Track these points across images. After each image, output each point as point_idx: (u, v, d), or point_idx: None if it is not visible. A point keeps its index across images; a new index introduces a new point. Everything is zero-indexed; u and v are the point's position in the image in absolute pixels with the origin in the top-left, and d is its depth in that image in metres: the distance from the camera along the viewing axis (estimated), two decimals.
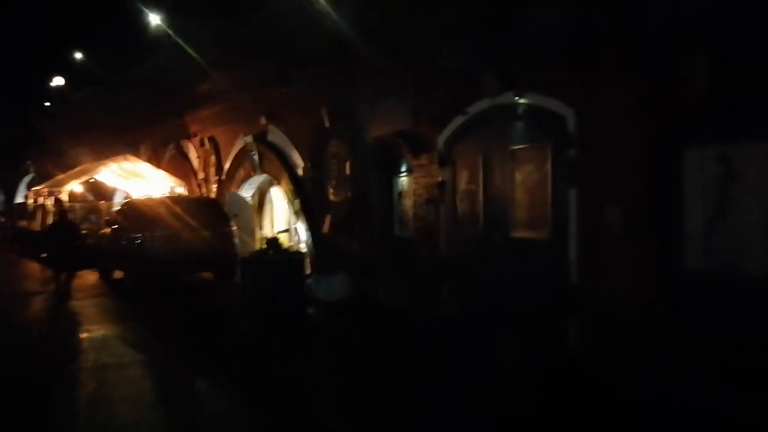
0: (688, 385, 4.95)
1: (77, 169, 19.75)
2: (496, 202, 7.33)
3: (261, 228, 15.50)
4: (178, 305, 10.81)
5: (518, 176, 6.94)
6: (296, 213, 12.80)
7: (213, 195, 16.56)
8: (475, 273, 7.48)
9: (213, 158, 17.08)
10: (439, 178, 8.29)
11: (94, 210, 19.88)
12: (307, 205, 12.36)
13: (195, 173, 18.31)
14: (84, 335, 8.77)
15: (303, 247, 12.63)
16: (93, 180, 18.81)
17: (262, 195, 15.74)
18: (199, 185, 18.02)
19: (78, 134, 25.13)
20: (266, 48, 13.10)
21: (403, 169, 9.41)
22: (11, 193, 31.63)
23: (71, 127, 25.61)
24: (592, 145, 6.00)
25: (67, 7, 28.38)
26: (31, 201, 20.81)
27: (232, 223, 12.59)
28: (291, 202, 13.01)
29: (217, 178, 16.83)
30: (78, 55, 29.68)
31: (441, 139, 8.23)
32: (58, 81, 29.05)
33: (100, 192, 20.92)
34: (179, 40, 18.50)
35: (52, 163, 25.76)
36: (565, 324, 6.23)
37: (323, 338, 8.51)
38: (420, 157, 8.74)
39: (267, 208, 15.61)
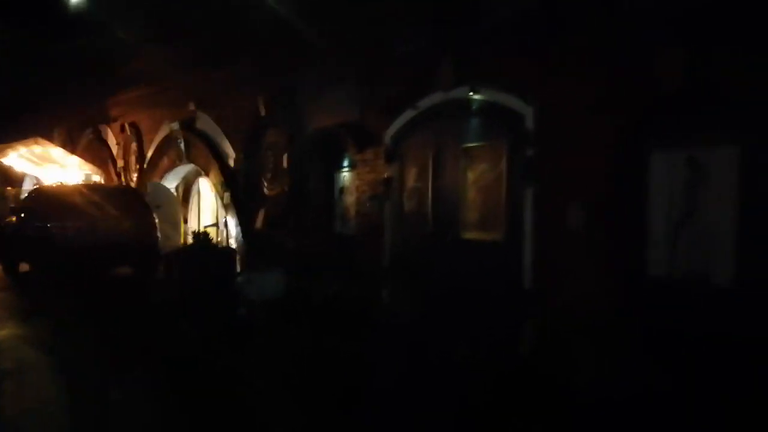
0: (639, 386, 4.72)
1: None
2: (446, 201, 6.96)
3: (186, 221, 14.58)
4: (91, 302, 9.82)
5: (471, 175, 6.59)
6: (226, 206, 12.03)
7: (134, 184, 15.46)
8: (422, 273, 7.09)
9: (134, 145, 15.95)
10: (386, 174, 7.85)
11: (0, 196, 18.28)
12: (238, 198, 11.62)
13: (114, 161, 17.07)
14: None
15: (233, 243, 11.87)
16: None
17: (187, 186, 14.81)
18: (118, 174, 16.81)
19: None
20: (198, 28, 12.25)
21: (346, 163, 8.91)
22: None
23: None
24: (551, 143, 5.71)
25: None
26: None
27: (154, 214, 11.66)
28: (220, 194, 12.22)
29: (139, 166, 15.72)
30: None
31: (388, 134, 7.79)
32: None
33: (7, 178, 19.23)
34: (102, 18, 17.29)
35: None
36: (519, 327, 5.91)
37: (255, 339, 7.88)
38: (365, 152, 8.26)
39: (193, 200, 14.69)
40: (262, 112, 10.64)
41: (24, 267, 11.97)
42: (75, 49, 18.07)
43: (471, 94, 6.37)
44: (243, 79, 11.27)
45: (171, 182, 14.59)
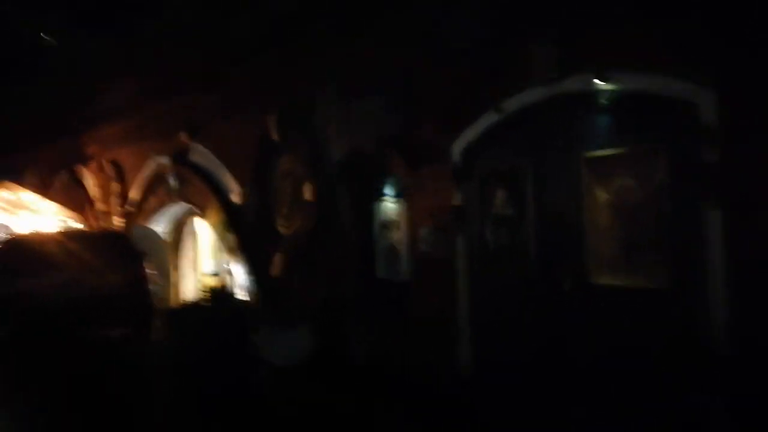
0: None
1: None
2: (558, 233, 4.97)
3: (176, 269, 12.30)
4: (75, 373, 7.54)
5: (602, 194, 4.62)
6: (230, 250, 9.84)
7: (117, 229, 13.13)
8: (519, 332, 5.05)
9: (116, 185, 13.68)
10: (455, 201, 5.84)
11: None
12: (246, 240, 9.47)
13: (92, 204, 14.73)
14: None
15: (240, 294, 9.67)
16: None
17: (179, 229, 12.56)
18: (97, 218, 14.45)
19: None
20: (185, 43, 10.22)
21: (391, 190, 6.86)
22: None
23: None
24: (748, 144, 3.79)
25: None
26: None
27: (146, 263, 9.41)
28: (222, 236, 10.03)
29: (122, 209, 13.43)
30: None
31: (457, 148, 5.81)
32: None
33: None
34: (70, 52, 15.12)
35: None
36: (705, 412, 3.91)
37: (278, 419, 5.72)
38: (420, 173, 6.26)
39: (186, 244, 12.43)
40: (274, 136, 8.58)
41: None
42: (41, 86, 15.86)
43: (596, 83, 4.43)
44: (246, 99, 9.23)
45: (159, 225, 12.35)
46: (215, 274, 11.05)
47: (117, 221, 13.68)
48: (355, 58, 7.09)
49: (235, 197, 9.79)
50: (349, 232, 7.50)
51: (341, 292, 7.55)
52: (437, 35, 5.74)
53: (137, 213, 12.66)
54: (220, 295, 8.32)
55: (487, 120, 5.41)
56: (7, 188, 14.13)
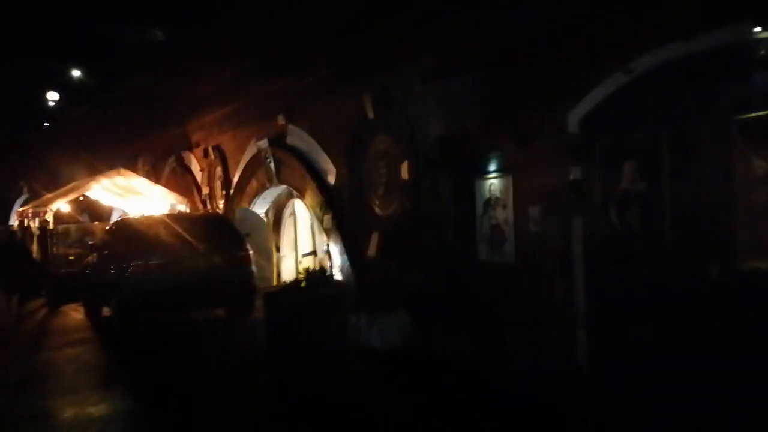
0: None
1: (67, 186, 16.41)
2: (702, 211, 4.20)
3: (278, 250, 12.30)
4: (180, 356, 7.58)
5: (759, 164, 3.80)
6: (327, 231, 9.61)
7: (220, 212, 13.34)
8: (652, 325, 4.33)
9: (219, 170, 13.91)
10: (571, 176, 5.16)
11: (87, 232, 16.61)
12: (343, 221, 9.18)
13: (198, 188, 15.11)
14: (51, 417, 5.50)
15: (337, 275, 9.42)
16: (83, 198, 15.50)
17: (278, 210, 12.55)
18: (203, 202, 14.82)
19: (73, 151, 21.91)
20: (282, 26, 10.00)
21: (495, 167, 6.25)
22: (6, 217, 28.23)
23: (66, 144, 22.43)
24: None
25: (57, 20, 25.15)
26: (16, 223, 17.50)
27: (248, 245, 9.36)
28: (319, 218, 9.82)
29: (225, 192, 13.64)
30: (74, 72, 26.54)
31: (574, 118, 5.11)
32: (52, 97, 25.91)
33: (95, 212, 17.65)
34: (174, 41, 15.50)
35: (46, 182, 22.51)
36: None
37: (383, 407, 5.30)
38: (530, 148, 5.61)
39: (285, 226, 12.40)
40: (370, 115, 8.18)
41: (107, 311, 9.91)
42: (154, 77, 16.42)
43: (754, 32, 3.61)
44: (342, 80, 8.88)
45: (260, 207, 12.38)
46: (312, 254, 10.91)
47: (221, 204, 13.94)
48: (451, 34, 6.51)
49: (331, 178, 9.52)
50: (448, 212, 6.98)
51: (440, 275, 7.06)
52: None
53: (239, 196, 12.77)
54: (317, 276, 8.06)
55: (612, 84, 4.68)
56: (122, 174, 14.76)
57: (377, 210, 8.24)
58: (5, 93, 26.42)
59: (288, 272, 12.47)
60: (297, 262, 11.96)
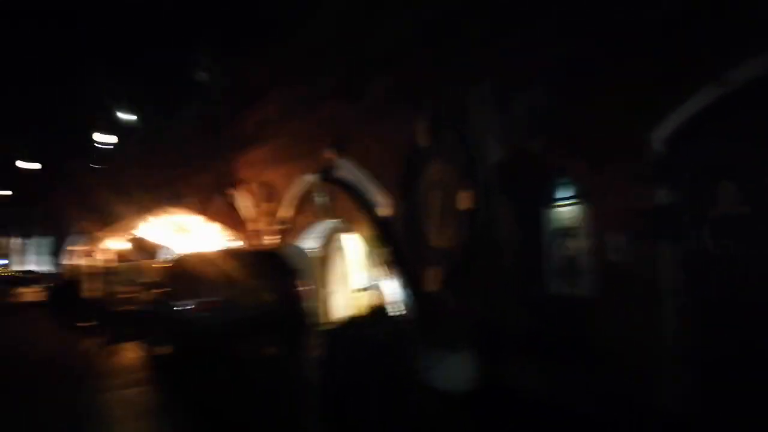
0: None
1: (117, 225, 16.58)
2: None
3: (325, 285, 11.99)
4: (238, 394, 7.26)
5: None
6: (380, 265, 9.24)
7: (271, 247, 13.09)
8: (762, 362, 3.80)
9: (265, 206, 13.77)
10: (657, 201, 4.70)
11: (135, 270, 16.71)
12: (398, 254, 8.80)
13: (245, 225, 15.00)
14: None
15: (393, 311, 9.01)
16: (133, 237, 15.59)
17: (327, 245, 12.27)
18: (250, 237, 14.68)
19: (120, 190, 22.30)
20: (328, 53, 9.91)
21: (563, 193, 5.82)
22: (58, 254, 28.86)
23: (114, 183, 22.88)
24: None
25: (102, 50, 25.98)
26: (67, 261, 17.73)
27: (301, 281, 9.06)
28: (372, 251, 9.47)
29: (272, 228, 13.47)
30: (122, 114, 27.34)
31: (657, 137, 4.68)
32: (101, 137, 26.70)
33: (143, 249, 17.75)
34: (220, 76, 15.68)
35: (98, 222, 22.92)
36: None
37: None
38: (606, 169, 5.17)
39: (334, 260, 12.09)
40: (422, 142, 7.87)
41: (165, 349, 9.69)
42: (198, 115, 16.61)
43: None
44: (392, 105, 8.63)
45: (309, 242, 12.15)
46: (365, 289, 10.55)
47: (268, 239, 13.76)
48: (513, 50, 6.19)
49: (384, 210, 9.20)
50: (510, 242, 6.54)
51: (503, 311, 6.59)
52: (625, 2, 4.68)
53: (287, 231, 12.58)
54: (377, 313, 7.70)
55: (703, 98, 4.25)
56: (170, 212, 14.79)
57: (434, 241, 7.85)
58: (59, 130, 27.32)
59: (337, 308, 12.11)
60: (348, 298, 11.61)
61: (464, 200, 7.04)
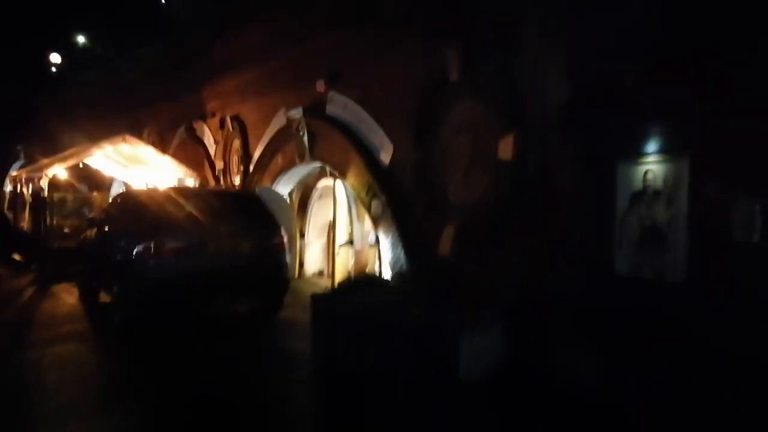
0: None
1: (66, 152, 14.16)
2: None
3: (303, 236, 10.31)
4: (201, 367, 5.57)
5: None
6: (374, 219, 7.61)
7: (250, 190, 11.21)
8: None
9: (238, 143, 11.82)
10: None
11: (85, 203, 14.47)
12: (399, 207, 7.19)
13: (212, 162, 12.99)
14: None
15: (386, 273, 7.46)
16: (82, 165, 13.29)
17: (305, 192, 10.53)
18: (216, 177, 12.72)
19: (75, 117, 19.57)
20: None
21: (655, 143, 4.29)
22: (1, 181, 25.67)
23: (68, 109, 20.12)
24: None
25: None
26: (8, 189, 15.23)
27: (282, 230, 7.34)
28: (364, 202, 7.82)
29: (243, 168, 11.56)
30: (80, 38, 24.28)
31: None
32: (55, 59, 23.56)
33: (95, 182, 15.43)
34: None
35: (44, 148, 20.15)
36: None
37: None
38: (729, 107, 3.66)
39: (313, 209, 10.38)
40: (453, 76, 6.17)
41: (106, 297, 7.84)
42: (166, 44, 14.23)
43: None
44: (407, 31, 6.86)
45: (284, 187, 10.37)
46: (350, 243, 8.91)
47: (237, 181, 11.87)
48: None
49: (385, 155, 7.51)
50: (570, 204, 5.02)
51: (550, 288, 5.12)
52: None
53: (260, 173, 10.72)
54: (371, 276, 6.15)
55: None
56: (126, 141, 12.58)
57: (454, 196, 6.25)
58: (6, 54, 23.98)
59: (313, 262, 10.49)
60: (327, 252, 9.99)
61: (507, 147, 5.43)
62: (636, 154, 4.43)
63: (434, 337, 5.17)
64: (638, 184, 4.41)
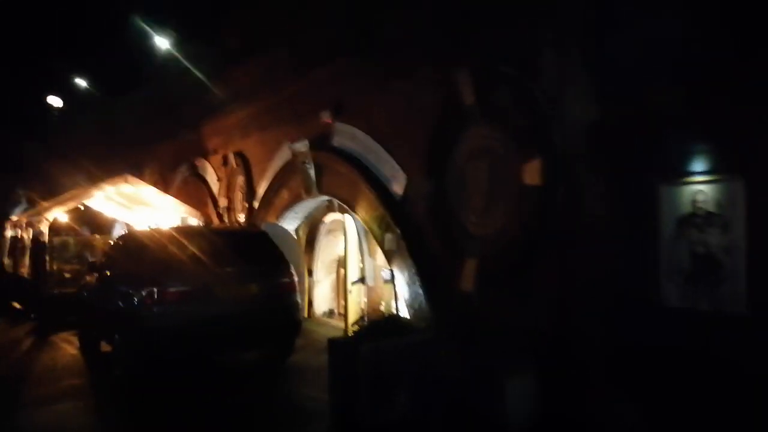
0: None
1: (66, 194, 13.76)
2: None
3: (310, 274, 9.84)
4: (210, 426, 5.04)
5: None
6: (388, 254, 7.16)
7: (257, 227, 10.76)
8: None
9: (241, 179, 11.43)
10: None
11: (87, 246, 13.98)
12: (414, 241, 6.75)
13: (215, 200, 12.60)
14: None
15: (402, 311, 6.98)
16: (83, 208, 12.88)
17: (312, 227, 10.10)
18: (220, 215, 12.30)
19: (74, 160, 19.28)
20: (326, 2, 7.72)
21: (703, 163, 3.87)
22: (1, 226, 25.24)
23: (67, 153, 19.86)
24: None
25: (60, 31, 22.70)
26: (9, 234, 14.77)
27: (292, 269, 6.88)
28: (377, 236, 7.38)
29: (247, 205, 11.15)
30: (78, 81, 24.17)
31: None
32: (54, 101, 23.41)
33: (96, 224, 14.97)
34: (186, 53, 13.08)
35: (45, 191, 19.79)
36: None
37: None
38: None
39: (321, 245, 9.95)
40: (467, 100, 5.80)
41: (107, 347, 7.31)
42: (162, 85, 14.00)
43: None
44: (414, 57, 6.54)
45: (290, 223, 9.94)
46: (361, 281, 8.43)
47: (241, 218, 11.45)
48: None
49: (398, 186, 7.10)
50: (604, 231, 4.58)
51: (586, 325, 4.64)
52: None
53: (265, 209, 10.31)
54: (390, 317, 5.67)
55: None
56: (128, 182, 12.20)
57: (473, 227, 5.81)
58: (5, 97, 23.87)
59: (322, 300, 10.00)
60: (337, 290, 9.51)
61: (531, 174, 5.02)
62: (681, 175, 4.01)
63: (476, 383, 4.66)
64: (686, 207, 3.98)
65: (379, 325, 5.27)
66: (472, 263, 5.68)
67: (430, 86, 6.34)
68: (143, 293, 6.04)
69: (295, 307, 6.57)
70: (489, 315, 5.41)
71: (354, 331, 5.34)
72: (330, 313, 9.84)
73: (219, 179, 12.34)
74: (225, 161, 11.95)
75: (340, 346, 4.89)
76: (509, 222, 5.33)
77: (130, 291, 6.25)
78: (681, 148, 3.99)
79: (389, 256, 7.10)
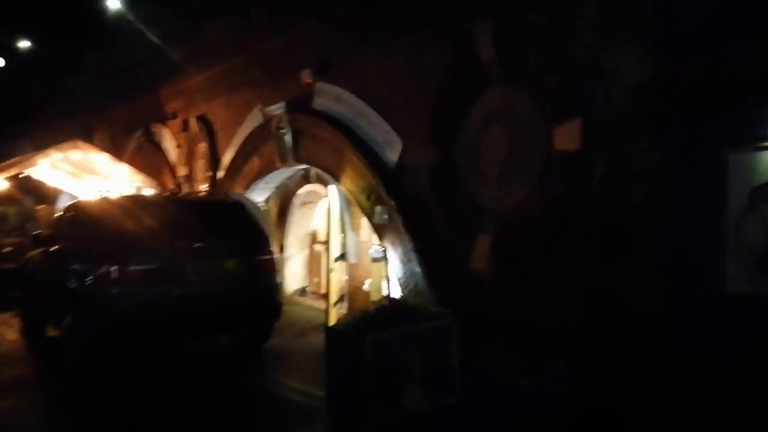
0: None
1: (7, 161, 12.13)
2: None
3: (282, 249, 8.91)
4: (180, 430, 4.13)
5: None
6: (377, 228, 6.33)
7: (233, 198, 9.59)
8: None
9: (204, 146, 10.28)
10: None
11: (29, 218, 12.49)
12: (412, 214, 5.93)
13: (173, 169, 11.36)
14: None
15: (394, 291, 6.19)
16: (26, 176, 11.38)
17: (285, 199, 9.13)
18: (179, 185, 11.10)
19: (19, 125, 17.35)
20: None
21: None
22: None
23: (9, 118, 17.83)
24: None
25: None
26: None
27: (273, 245, 5.94)
28: (364, 208, 6.52)
29: (211, 174, 10.02)
30: (23, 43, 21.84)
31: None
32: None
33: (40, 194, 13.39)
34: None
35: None
36: None
37: None
38: None
39: (294, 218, 9.01)
40: (485, 56, 4.97)
41: (54, 330, 6.19)
42: (119, 45, 12.48)
43: None
44: (420, 8, 5.65)
45: (260, 194, 8.93)
46: (342, 257, 7.56)
47: (203, 189, 10.31)
48: None
49: (393, 153, 6.24)
50: (655, 205, 3.90)
51: (627, 312, 3.98)
52: None
53: (232, 179, 9.24)
54: (391, 302, 4.88)
55: None
56: (77, 147, 10.82)
57: (488, 200, 5.04)
58: None
59: (294, 277, 9.10)
60: (310, 267, 8.63)
61: (564, 137, 4.26)
62: (755, 138, 3.34)
63: (490, 380, 3.93)
64: (763, 176, 3.32)
65: (386, 311, 4.44)
66: (485, 240, 4.93)
67: (437, 43, 5.48)
68: (99, 271, 4.99)
69: (275, 288, 5.65)
70: (505, 298, 4.69)
71: (354, 317, 4.50)
72: (302, 292, 8.97)
73: (178, 146, 11.12)
74: (185, 126, 10.73)
75: (341, 335, 4.05)
76: (533, 195, 4.58)
77: (84, 268, 5.20)
78: (757, 112, 3.31)
79: (380, 231, 6.27)
